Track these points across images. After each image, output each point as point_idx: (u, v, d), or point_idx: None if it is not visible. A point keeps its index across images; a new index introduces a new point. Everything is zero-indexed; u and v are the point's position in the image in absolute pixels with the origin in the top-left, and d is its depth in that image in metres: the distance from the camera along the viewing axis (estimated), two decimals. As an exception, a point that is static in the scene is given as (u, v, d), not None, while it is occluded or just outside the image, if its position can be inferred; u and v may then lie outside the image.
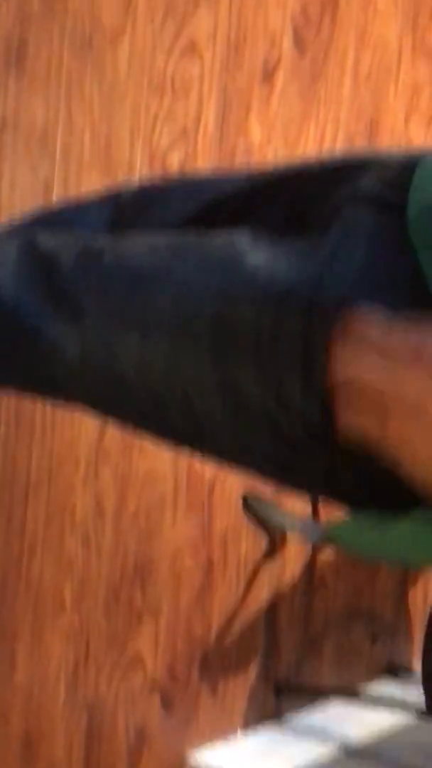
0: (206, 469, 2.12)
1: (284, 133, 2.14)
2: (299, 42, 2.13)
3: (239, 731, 2.30)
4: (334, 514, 0.99)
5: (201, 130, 1.99)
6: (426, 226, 0.89)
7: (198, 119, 1.99)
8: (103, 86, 1.84)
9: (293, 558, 2.36)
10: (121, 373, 1.03)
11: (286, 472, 1.02)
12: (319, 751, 2.27)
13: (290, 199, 1.07)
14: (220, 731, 2.25)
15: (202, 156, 2.00)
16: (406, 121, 2.38)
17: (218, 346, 0.95)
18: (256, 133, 2.09)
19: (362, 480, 0.92)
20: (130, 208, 1.26)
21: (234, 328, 0.94)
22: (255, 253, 0.96)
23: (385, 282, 0.89)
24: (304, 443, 0.94)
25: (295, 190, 1.07)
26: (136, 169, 1.91)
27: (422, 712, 2.28)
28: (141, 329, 1.00)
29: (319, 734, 2.32)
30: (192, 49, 1.96)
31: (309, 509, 2.36)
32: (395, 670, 2.63)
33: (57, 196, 1.81)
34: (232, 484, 2.18)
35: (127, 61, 1.87)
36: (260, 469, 1.04)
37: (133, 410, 1.07)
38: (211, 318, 0.95)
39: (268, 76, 2.09)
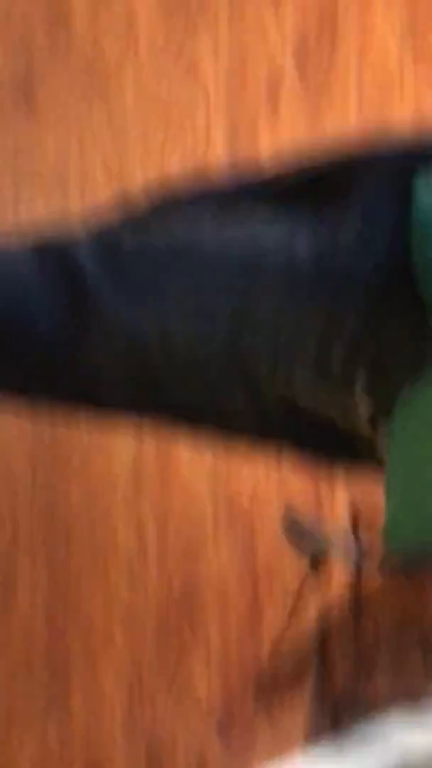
0: (244, 491, 2.12)
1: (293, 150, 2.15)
2: (300, 57, 2.15)
3: (298, 754, 2.28)
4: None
5: (210, 147, 2.03)
6: None
7: (207, 139, 2.02)
8: (112, 116, 1.88)
9: (338, 576, 2.35)
10: (144, 349, 1.03)
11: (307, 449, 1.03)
12: (381, 766, 2.25)
13: (310, 191, 1.06)
14: (278, 754, 2.23)
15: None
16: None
17: (239, 327, 0.96)
18: (267, 147, 2.11)
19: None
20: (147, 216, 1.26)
21: (253, 324, 0.97)
22: (271, 230, 0.99)
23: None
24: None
25: (314, 182, 1.06)
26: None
27: None
28: (162, 313, 1.02)
29: (378, 750, 2.30)
30: (194, 71, 1.98)
31: (350, 528, 2.36)
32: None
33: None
34: (271, 498, 2.18)
35: (132, 88, 1.89)
36: (273, 444, 1.05)
37: (157, 396, 1.07)
38: (229, 311, 0.98)
39: (272, 95, 2.12)
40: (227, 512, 2.12)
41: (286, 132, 2.14)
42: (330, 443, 1.00)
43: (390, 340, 0.90)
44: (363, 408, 0.93)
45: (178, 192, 1.24)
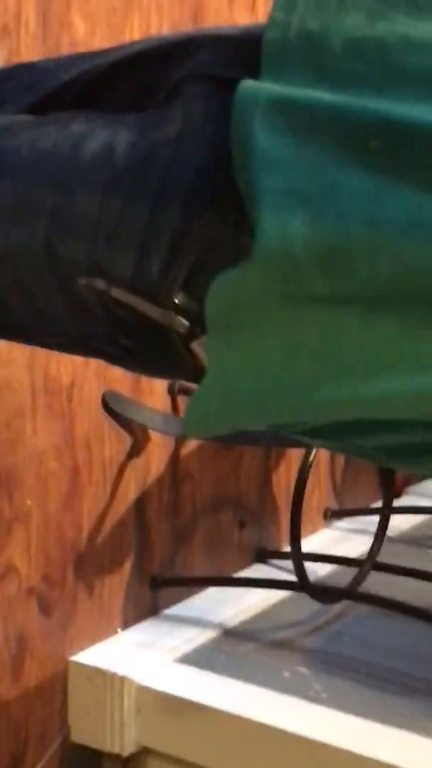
0: (63, 373, 2.13)
1: (108, 24, 2.12)
2: None
3: (119, 629, 2.34)
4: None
5: (22, 27, 1.97)
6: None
7: (18, 17, 1.96)
8: None
9: (157, 454, 2.39)
10: None
11: (132, 359, 1.03)
12: (199, 638, 2.32)
13: (131, 82, 1.05)
14: (100, 630, 2.29)
15: (26, 53, 1.98)
16: (230, 5, 2.38)
17: (54, 239, 0.95)
18: (79, 27, 2.07)
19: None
20: None
21: (72, 221, 0.94)
22: (92, 136, 0.96)
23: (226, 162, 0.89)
24: (143, 334, 0.96)
25: (135, 72, 1.05)
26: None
27: (295, 588, 2.37)
28: None
29: (197, 622, 2.38)
30: None
31: (169, 405, 2.39)
32: (265, 555, 2.70)
33: None
34: (91, 386, 2.19)
35: None
36: (106, 356, 1.05)
37: None
38: (49, 208, 0.95)
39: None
40: (45, 393, 2.11)
41: (99, 7, 2.10)
42: (147, 346, 1.00)
43: (211, 238, 0.90)
44: (181, 305, 0.93)
45: None
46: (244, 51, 0.93)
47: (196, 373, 0.94)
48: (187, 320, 0.92)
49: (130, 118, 0.97)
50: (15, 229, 0.97)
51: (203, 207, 0.88)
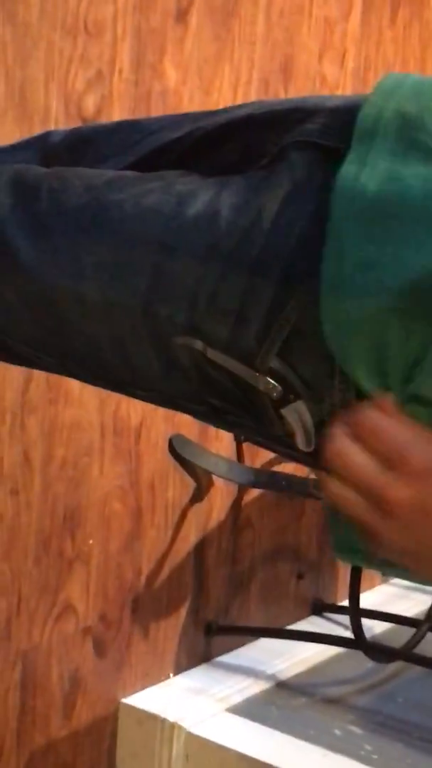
0: (132, 414, 2.14)
1: (199, 74, 2.15)
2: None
3: (171, 674, 2.34)
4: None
5: (116, 73, 2.00)
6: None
7: (113, 62, 1.99)
8: (16, 28, 1.83)
9: (219, 500, 2.39)
10: (62, 311, 1.02)
11: (220, 418, 1.04)
12: (251, 689, 2.32)
13: (237, 144, 1.06)
14: (152, 674, 2.29)
15: (118, 99, 2.00)
16: (320, 58, 2.40)
17: (153, 298, 0.95)
18: (171, 74, 2.10)
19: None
20: (62, 151, 1.21)
21: (173, 281, 0.95)
22: (196, 197, 0.96)
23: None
24: (235, 396, 0.96)
25: (242, 135, 1.06)
26: (51, 113, 1.91)
27: (350, 645, 2.35)
28: (77, 273, 1.00)
29: (249, 672, 2.38)
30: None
31: (234, 452, 2.39)
32: (322, 608, 2.69)
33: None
34: (159, 429, 2.20)
35: (39, 1, 1.85)
36: (194, 413, 1.06)
37: (69, 349, 1.06)
38: (150, 268, 0.96)
39: (182, 15, 2.10)
40: (114, 433, 2.13)
41: (192, 57, 2.12)
42: (237, 408, 1.00)
43: (309, 307, 0.90)
44: (276, 371, 0.93)
45: (98, 138, 1.20)
46: (348, 121, 0.94)
47: (284, 437, 0.94)
48: (280, 385, 0.92)
49: (234, 180, 0.97)
50: (114, 284, 0.98)
51: (303, 277, 0.88)
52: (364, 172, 0.88)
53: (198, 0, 2.11)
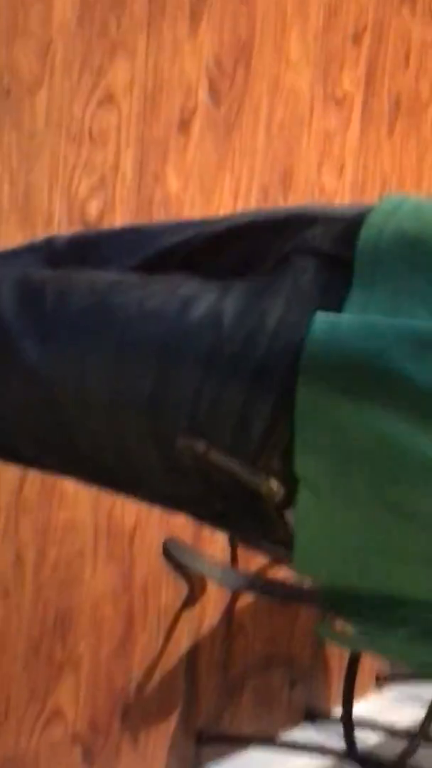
0: (126, 517, 2.14)
1: (201, 182, 2.18)
2: (214, 93, 2.18)
3: (161, 782, 2.30)
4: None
5: (119, 179, 2.03)
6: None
7: (116, 169, 2.02)
8: (21, 135, 1.86)
9: (212, 605, 2.38)
10: (66, 411, 1.02)
11: (219, 520, 1.04)
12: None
13: (239, 250, 1.08)
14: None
15: (120, 205, 2.03)
16: (319, 169, 2.44)
17: (156, 401, 0.96)
18: (173, 182, 2.12)
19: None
20: (66, 255, 1.23)
21: (176, 384, 0.96)
22: (199, 300, 0.98)
23: None
24: (238, 499, 0.96)
25: (245, 241, 1.08)
26: (55, 218, 1.93)
27: (343, 756, 2.32)
28: (81, 374, 1.00)
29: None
30: (109, 98, 1.99)
31: (228, 557, 2.39)
32: (314, 715, 2.66)
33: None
34: (153, 532, 2.20)
35: (45, 110, 1.89)
36: (195, 515, 1.06)
37: (71, 450, 1.06)
38: (154, 370, 0.97)
39: (185, 126, 2.13)
40: (108, 535, 2.12)
41: (193, 166, 2.16)
42: (239, 510, 1.00)
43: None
44: (278, 473, 0.93)
45: (102, 241, 1.23)
46: (351, 232, 0.96)
47: (286, 540, 0.94)
48: (284, 487, 0.92)
49: (236, 284, 0.99)
50: (118, 386, 0.98)
51: (289, 407, 0.89)
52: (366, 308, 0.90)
53: (200, 111, 2.15)
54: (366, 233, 0.93)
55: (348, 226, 0.98)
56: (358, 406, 0.85)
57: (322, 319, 0.88)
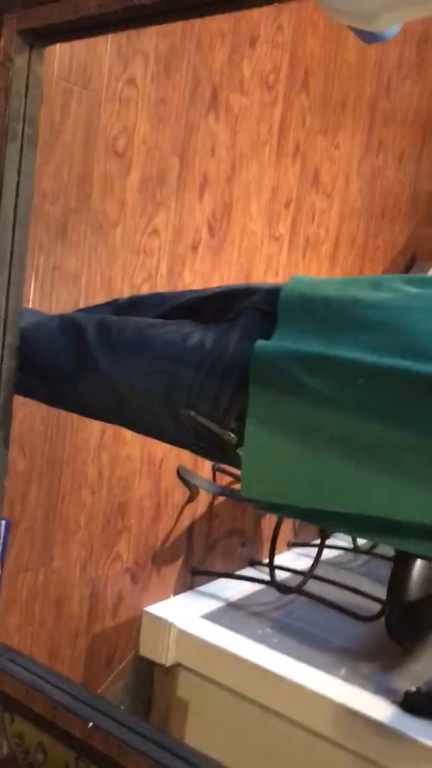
0: (158, 453, 2.13)
1: (202, 279, 2.17)
2: (211, 231, 2.17)
3: (171, 595, 2.28)
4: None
5: (159, 275, 2.02)
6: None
7: (157, 270, 2.02)
8: (107, 249, 1.86)
9: (202, 502, 2.36)
10: (121, 394, 0.98)
11: (204, 453, 1.00)
12: (214, 606, 2.26)
13: (216, 306, 1.05)
14: (161, 595, 2.24)
15: (158, 289, 2.03)
16: (265, 273, 2.42)
17: (170, 389, 0.94)
18: (187, 277, 2.12)
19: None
20: (125, 308, 1.21)
21: (181, 379, 0.93)
22: (193, 334, 0.95)
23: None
24: (213, 442, 0.94)
25: (218, 302, 1.05)
26: (124, 294, 1.92)
27: (269, 584, 2.30)
28: (130, 374, 0.97)
29: (214, 597, 2.32)
30: (155, 232, 1.98)
31: (211, 476, 2.36)
32: (254, 562, 2.62)
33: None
34: (172, 461, 2.18)
35: (120, 237, 1.88)
36: (192, 450, 1.01)
37: (125, 414, 1.02)
38: (168, 372, 0.94)
39: (194, 248, 2.13)
40: (148, 463, 2.10)
41: (199, 269, 2.16)
42: (213, 447, 0.95)
43: (244, 403, 0.88)
44: (234, 428, 0.89)
45: (143, 302, 1.20)
46: (275, 296, 0.93)
47: (239, 466, 0.92)
48: (236, 437, 0.90)
49: (213, 326, 0.96)
50: (149, 381, 0.96)
51: (249, 381, 0.87)
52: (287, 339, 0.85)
53: (203, 241, 2.15)
54: (282, 296, 0.90)
55: (274, 293, 0.94)
56: (280, 390, 0.82)
57: (260, 344, 0.85)
